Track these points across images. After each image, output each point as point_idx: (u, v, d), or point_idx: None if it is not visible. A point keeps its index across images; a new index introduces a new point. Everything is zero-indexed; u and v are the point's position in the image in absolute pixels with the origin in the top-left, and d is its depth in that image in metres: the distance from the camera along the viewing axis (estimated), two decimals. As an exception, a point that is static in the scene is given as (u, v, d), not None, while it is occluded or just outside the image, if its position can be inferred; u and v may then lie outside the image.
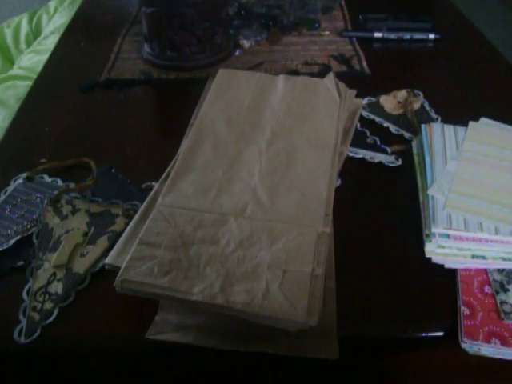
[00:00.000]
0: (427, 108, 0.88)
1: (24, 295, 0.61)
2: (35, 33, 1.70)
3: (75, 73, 1.05)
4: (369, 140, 0.82)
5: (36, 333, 0.57)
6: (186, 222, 0.62)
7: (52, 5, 1.73)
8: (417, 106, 0.88)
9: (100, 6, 1.34)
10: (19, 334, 0.57)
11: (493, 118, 0.79)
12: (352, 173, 0.76)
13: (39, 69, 1.07)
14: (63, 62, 1.10)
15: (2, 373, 0.60)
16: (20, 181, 0.75)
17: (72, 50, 1.14)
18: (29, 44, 1.68)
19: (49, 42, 1.57)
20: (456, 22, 1.23)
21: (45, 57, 1.13)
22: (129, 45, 1.13)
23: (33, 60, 1.55)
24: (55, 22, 1.66)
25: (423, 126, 0.78)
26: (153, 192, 0.67)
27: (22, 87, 1.41)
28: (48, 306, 0.60)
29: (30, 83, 1.04)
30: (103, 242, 0.66)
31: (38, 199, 0.72)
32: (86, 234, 0.66)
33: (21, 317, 0.59)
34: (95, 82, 1.00)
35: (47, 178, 0.76)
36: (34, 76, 1.06)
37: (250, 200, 0.65)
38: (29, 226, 0.68)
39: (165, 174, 0.70)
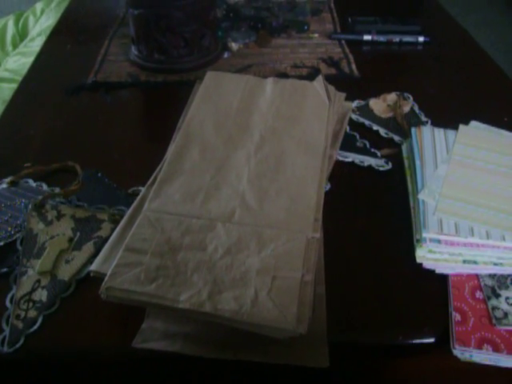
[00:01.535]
0: (417, 111, 0.88)
1: (7, 303, 0.59)
2: (21, 35, 1.69)
3: (61, 75, 1.03)
4: (358, 143, 0.81)
5: (19, 341, 0.56)
6: (173, 227, 0.60)
7: (39, 7, 1.72)
8: (406, 109, 0.88)
9: (87, 8, 1.33)
10: (2, 343, 0.56)
11: (483, 121, 0.79)
12: (341, 177, 0.75)
13: (25, 71, 1.06)
14: (49, 65, 1.09)
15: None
16: (4, 185, 0.73)
17: (58, 52, 1.13)
18: (15, 46, 1.66)
19: (35, 44, 1.56)
20: (445, 25, 1.23)
21: (31, 59, 1.11)
22: (116, 47, 1.12)
23: (19, 62, 1.54)
24: (42, 24, 1.65)
25: (413, 129, 0.77)
26: (139, 197, 0.66)
27: (8, 90, 1.40)
28: (32, 313, 0.58)
29: (15, 86, 1.02)
30: (89, 248, 0.64)
31: (23, 204, 0.70)
32: (71, 240, 0.65)
33: (4, 325, 0.57)
34: (82, 84, 0.99)
35: (32, 183, 0.74)
36: (20, 78, 1.04)
37: (238, 205, 0.64)
38: (13, 232, 0.67)
39: (152, 179, 0.69)
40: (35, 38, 1.61)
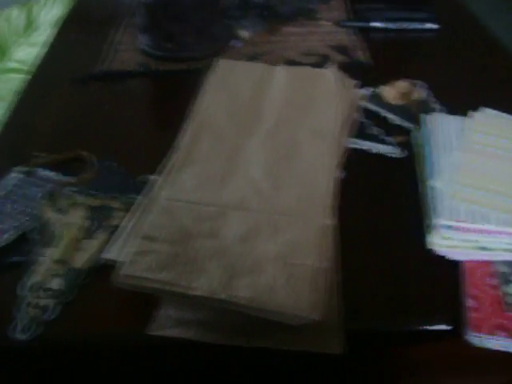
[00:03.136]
0: (429, 98, 0.87)
1: (22, 291, 0.60)
2: (29, 24, 1.69)
3: (71, 65, 1.03)
4: (370, 131, 0.81)
5: (35, 329, 0.56)
6: (187, 214, 0.61)
7: (45, -4, 1.72)
8: (418, 96, 0.87)
9: (97, -3, 1.33)
10: (17, 331, 0.56)
11: (495, 108, 0.79)
12: (354, 164, 0.75)
13: (33, 61, 1.06)
14: (59, 54, 1.09)
15: (2, 370, 0.60)
16: (17, 175, 0.74)
17: (68, 41, 1.13)
18: (22, 35, 1.66)
19: (43, 34, 1.56)
20: (456, 11, 1.22)
21: (39, 49, 1.11)
22: (126, 36, 1.12)
23: (27, 52, 1.54)
24: (49, 13, 1.65)
25: (426, 116, 0.77)
26: (152, 185, 0.66)
27: (18, 80, 1.40)
28: (46, 301, 0.59)
29: (24, 76, 1.03)
30: (103, 236, 0.65)
31: (36, 193, 0.70)
32: (85, 228, 0.66)
33: (19, 312, 0.58)
34: (92, 73, 0.99)
35: (45, 172, 0.74)
36: (29, 68, 1.04)
37: (252, 192, 0.64)
38: (27, 221, 0.67)
39: (164, 167, 0.69)
40: (43, 28, 1.61)
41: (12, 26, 1.68)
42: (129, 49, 1.07)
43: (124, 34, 1.13)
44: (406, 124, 0.83)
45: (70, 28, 1.19)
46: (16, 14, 1.70)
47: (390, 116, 0.84)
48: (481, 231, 0.60)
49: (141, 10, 1.00)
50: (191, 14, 0.97)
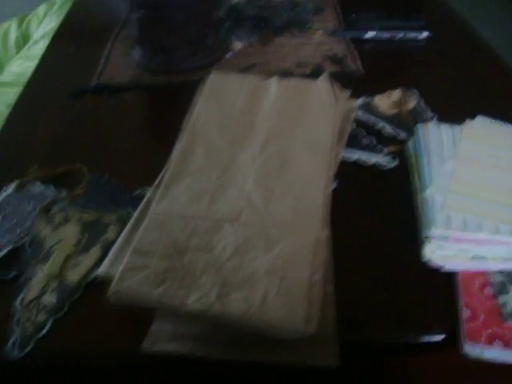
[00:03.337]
0: (422, 107, 0.87)
1: (17, 306, 0.60)
2: (25, 38, 1.69)
3: (65, 78, 1.03)
4: (364, 141, 0.81)
5: (30, 345, 0.56)
6: (180, 229, 0.60)
7: (41, 10, 1.72)
8: (412, 105, 0.87)
9: (89, 10, 1.33)
10: (13, 346, 0.56)
11: (488, 116, 0.79)
12: (347, 175, 0.75)
13: (29, 75, 1.06)
14: (53, 68, 1.09)
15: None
16: (11, 189, 0.73)
17: (62, 55, 1.13)
18: (18, 49, 1.66)
19: (38, 48, 1.56)
20: (449, 20, 1.23)
21: (34, 62, 1.11)
22: (119, 49, 1.12)
23: (22, 66, 1.54)
24: (44, 27, 1.65)
25: (419, 125, 0.77)
26: (146, 199, 0.66)
27: (12, 94, 1.40)
28: (41, 317, 0.58)
29: (19, 89, 1.02)
30: (96, 251, 0.64)
31: (30, 208, 0.70)
32: (78, 243, 0.65)
33: (14, 328, 0.57)
34: (86, 87, 0.99)
35: (39, 186, 0.74)
36: (24, 82, 1.04)
37: (244, 205, 0.64)
38: (20, 236, 0.67)
39: (157, 181, 0.69)
40: (38, 41, 1.61)
41: (7, 40, 1.69)
42: (122, 61, 1.07)
43: (117, 46, 1.13)
44: (399, 133, 0.83)
45: (62, 41, 1.19)
46: (11, 28, 1.70)
47: (384, 125, 0.84)
48: (474, 241, 0.60)
49: (134, 23, 1.00)
50: (184, 26, 0.97)
